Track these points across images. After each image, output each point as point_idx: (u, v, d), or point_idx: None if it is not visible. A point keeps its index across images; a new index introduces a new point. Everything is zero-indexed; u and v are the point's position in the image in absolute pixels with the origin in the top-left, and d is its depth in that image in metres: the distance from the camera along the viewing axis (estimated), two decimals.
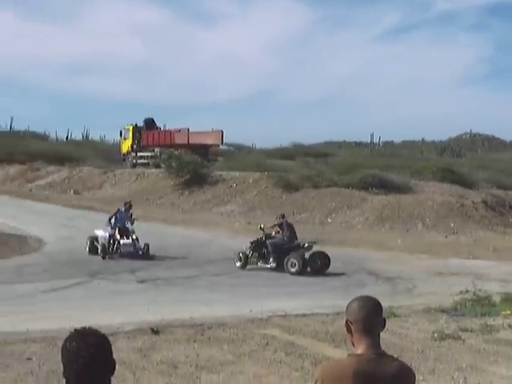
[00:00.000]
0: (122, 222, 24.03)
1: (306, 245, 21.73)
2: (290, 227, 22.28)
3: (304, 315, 13.81)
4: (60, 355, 2.99)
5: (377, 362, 3.65)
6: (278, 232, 22.15)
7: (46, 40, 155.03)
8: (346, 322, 3.75)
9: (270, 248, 21.60)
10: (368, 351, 3.67)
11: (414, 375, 3.84)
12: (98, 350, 2.97)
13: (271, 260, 21.50)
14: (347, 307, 3.79)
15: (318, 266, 21.39)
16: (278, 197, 37.74)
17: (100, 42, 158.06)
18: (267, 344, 11.15)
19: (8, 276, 19.27)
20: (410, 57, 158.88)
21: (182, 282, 19.24)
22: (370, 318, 3.69)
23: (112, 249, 23.01)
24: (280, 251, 21.38)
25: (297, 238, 22.16)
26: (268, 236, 22.12)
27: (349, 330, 3.75)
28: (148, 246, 23.42)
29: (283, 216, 23.03)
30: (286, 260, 21.08)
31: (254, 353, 10.62)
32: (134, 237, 23.61)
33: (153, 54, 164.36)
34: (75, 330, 3.04)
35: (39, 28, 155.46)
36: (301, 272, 20.76)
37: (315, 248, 21.95)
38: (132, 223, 24.33)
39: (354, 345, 3.78)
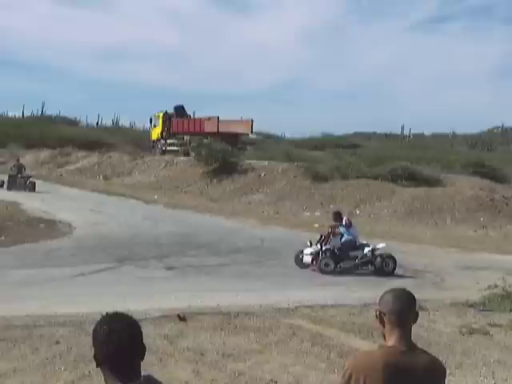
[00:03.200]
0: None
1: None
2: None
3: (331, 306, 13.78)
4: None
5: (408, 355, 3.63)
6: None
7: (79, 25, 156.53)
8: (380, 314, 3.71)
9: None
10: (399, 343, 3.65)
11: (445, 370, 3.82)
12: (129, 334, 2.97)
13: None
14: (380, 298, 3.76)
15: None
16: (307, 187, 37.65)
17: (133, 28, 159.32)
18: (293, 334, 11.15)
19: (37, 260, 19.37)
20: (444, 48, 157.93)
21: (210, 271, 19.23)
22: (403, 310, 3.66)
23: None
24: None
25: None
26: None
27: (381, 322, 3.72)
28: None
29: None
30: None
31: (280, 342, 10.62)
32: None
33: (185, 40, 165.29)
34: (107, 313, 3.05)
35: (74, 13, 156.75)
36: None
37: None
38: None
39: (385, 337, 3.76)
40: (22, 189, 37.34)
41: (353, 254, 20.07)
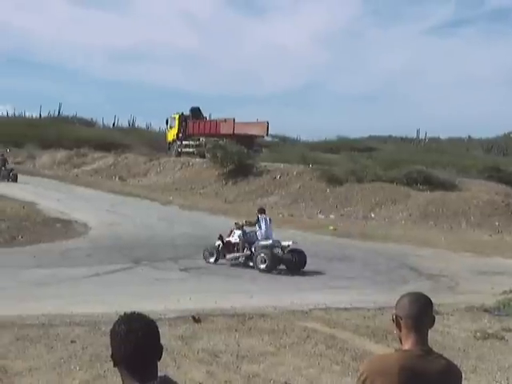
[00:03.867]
0: None
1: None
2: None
3: (345, 309, 13.78)
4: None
5: (424, 359, 3.63)
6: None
7: (97, 27, 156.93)
8: (396, 317, 3.72)
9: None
10: (415, 347, 3.65)
11: (461, 375, 3.81)
12: (146, 334, 2.99)
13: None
14: (397, 302, 3.77)
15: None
16: (322, 190, 37.64)
17: (150, 29, 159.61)
18: (308, 336, 11.16)
19: (53, 260, 19.50)
20: (461, 52, 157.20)
21: (225, 272, 19.30)
22: (420, 314, 3.66)
23: None
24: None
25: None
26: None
27: (397, 325, 3.73)
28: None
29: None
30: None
31: (294, 345, 10.64)
32: None
33: (202, 43, 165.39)
34: (124, 313, 3.07)
35: (91, 14, 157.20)
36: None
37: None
38: None
39: (401, 340, 3.76)
40: (5, 179, 41.78)
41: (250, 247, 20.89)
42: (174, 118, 52.94)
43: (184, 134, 51.95)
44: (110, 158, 52.18)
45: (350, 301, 14.76)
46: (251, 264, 20.33)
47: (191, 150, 50.77)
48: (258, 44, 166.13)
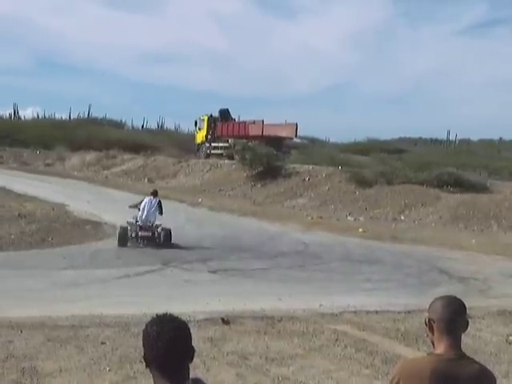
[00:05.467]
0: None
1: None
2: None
3: (375, 312, 13.69)
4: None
5: (457, 363, 3.58)
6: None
7: (126, 28, 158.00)
8: (429, 321, 3.68)
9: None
10: (448, 351, 3.60)
11: (495, 380, 3.76)
12: (178, 336, 2.99)
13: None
14: (430, 305, 3.72)
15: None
16: (351, 192, 37.49)
17: (180, 31, 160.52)
18: (337, 339, 11.10)
19: (83, 261, 19.61)
20: (493, 53, 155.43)
21: (254, 274, 19.26)
22: (453, 318, 3.62)
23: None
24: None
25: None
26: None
27: (430, 329, 3.68)
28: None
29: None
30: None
31: (324, 348, 10.59)
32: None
33: (231, 44, 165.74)
34: (156, 315, 3.07)
35: (120, 16, 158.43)
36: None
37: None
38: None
39: (433, 344, 3.72)
40: None
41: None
42: (203, 119, 53.17)
43: (213, 135, 52.14)
44: (139, 160, 52.46)
45: (379, 304, 14.67)
46: None
47: (220, 151, 50.88)
48: (287, 45, 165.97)
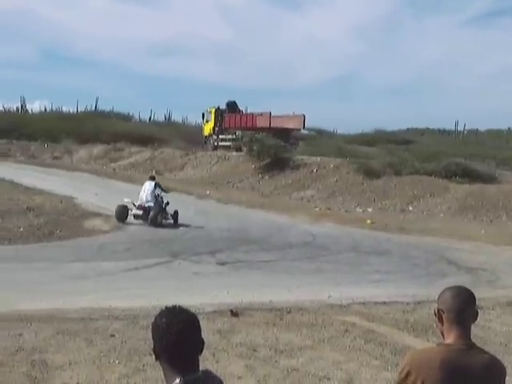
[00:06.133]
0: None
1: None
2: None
3: (384, 303, 13.69)
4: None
5: (466, 353, 3.58)
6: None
7: (133, 21, 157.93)
8: (438, 311, 3.67)
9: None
10: (458, 342, 3.60)
11: (505, 369, 3.75)
12: (188, 328, 2.99)
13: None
14: (439, 296, 3.71)
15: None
16: (359, 183, 37.41)
17: (186, 23, 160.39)
18: (346, 331, 11.10)
19: (91, 254, 19.62)
20: (499, 43, 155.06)
21: (262, 266, 19.25)
22: (463, 308, 3.61)
23: None
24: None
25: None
26: None
27: (439, 319, 3.67)
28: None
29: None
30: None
31: (333, 339, 10.58)
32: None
33: (237, 36, 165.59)
34: (166, 307, 3.07)
35: (127, 9, 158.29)
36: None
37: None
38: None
39: (443, 335, 3.71)
40: None
41: None
42: (210, 111, 53.14)
43: (220, 127, 52.11)
44: (146, 153, 52.44)
45: (388, 295, 14.66)
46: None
47: (227, 143, 50.83)
48: (293, 36, 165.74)
